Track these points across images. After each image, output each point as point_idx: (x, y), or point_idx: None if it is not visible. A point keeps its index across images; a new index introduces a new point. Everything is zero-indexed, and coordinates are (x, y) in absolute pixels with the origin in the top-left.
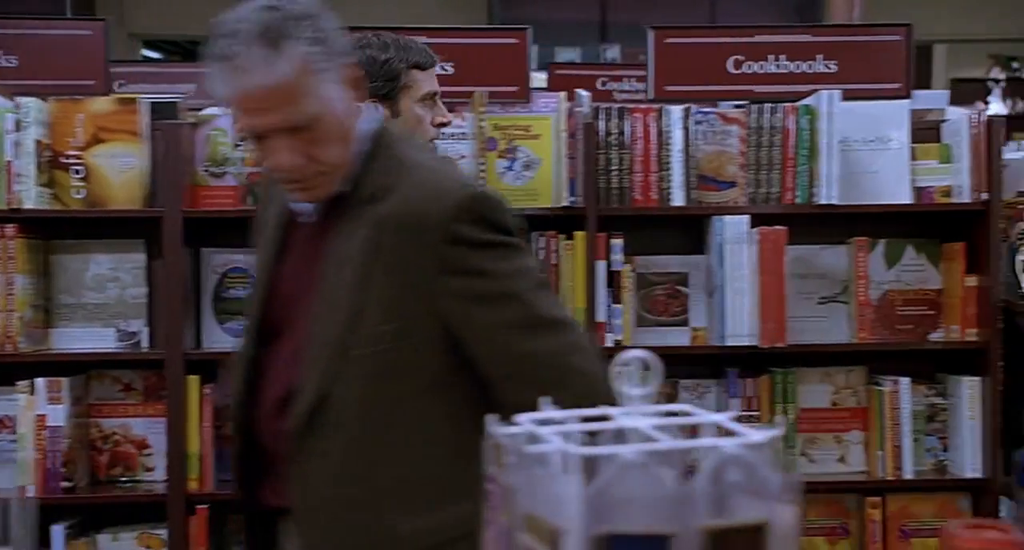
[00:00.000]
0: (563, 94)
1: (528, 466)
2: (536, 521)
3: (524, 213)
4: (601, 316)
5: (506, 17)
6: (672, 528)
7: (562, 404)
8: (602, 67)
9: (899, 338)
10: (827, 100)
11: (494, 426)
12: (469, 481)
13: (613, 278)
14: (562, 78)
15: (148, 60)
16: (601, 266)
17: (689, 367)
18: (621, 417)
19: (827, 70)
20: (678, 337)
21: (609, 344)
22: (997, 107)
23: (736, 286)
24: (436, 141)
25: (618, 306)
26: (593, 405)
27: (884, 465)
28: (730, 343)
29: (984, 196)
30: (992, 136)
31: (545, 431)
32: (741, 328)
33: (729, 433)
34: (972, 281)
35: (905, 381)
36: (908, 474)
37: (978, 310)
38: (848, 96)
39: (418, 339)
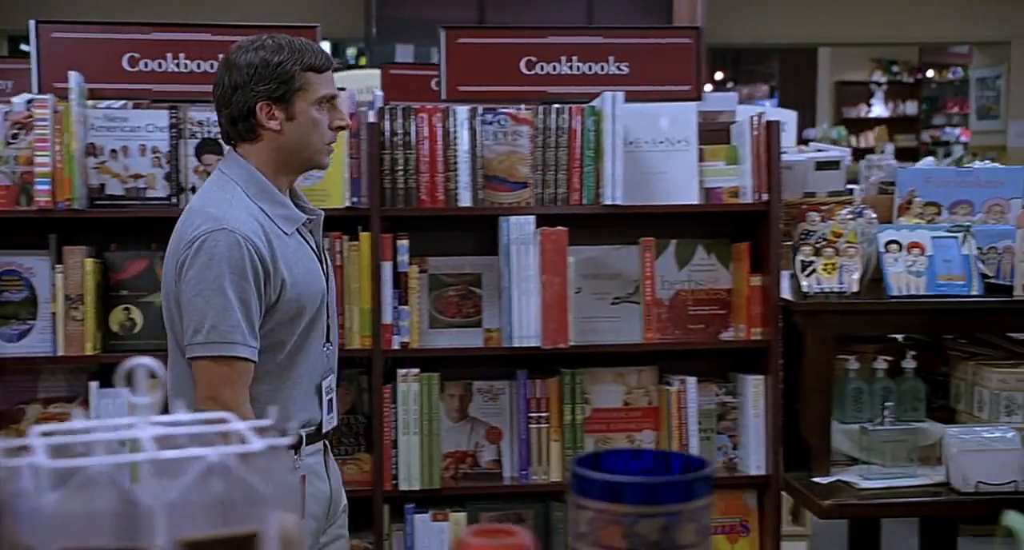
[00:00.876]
0: (345, 92)
1: (10, 481)
2: (14, 539)
3: None
4: (387, 318)
5: (383, 16)
6: (142, 542)
7: None
8: (436, 67)
9: (691, 337)
10: (611, 101)
11: None
12: None
13: (400, 279)
14: (396, 78)
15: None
16: (387, 267)
17: (486, 368)
18: (130, 427)
19: (619, 72)
20: (471, 338)
21: (396, 347)
22: (879, 109)
23: (523, 287)
24: (332, 144)
25: (405, 307)
26: None
27: None
28: (517, 344)
29: (765, 197)
30: (771, 138)
31: (35, 443)
32: (529, 329)
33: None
34: (757, 281)
35: (692, 380)
36: None
37: (762, 309)
38: (640, 98)
39: None
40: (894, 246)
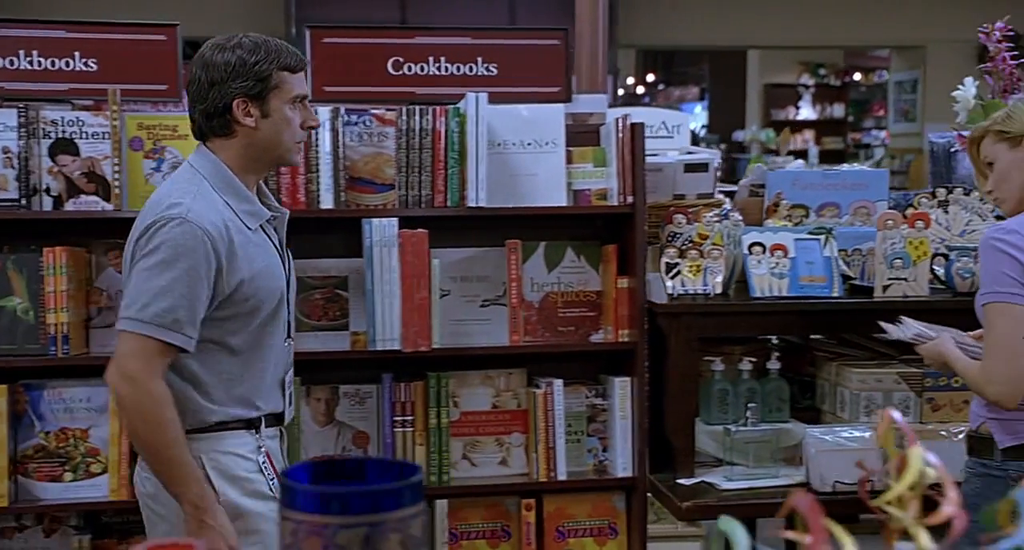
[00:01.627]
0: None
1: None
2: None
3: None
4: None
5: (303, 17)
6: None
7: None
8: None
9: (561, 340)
10: (475, 103)
11: None
12: None
13: None
14: None
15: None
16: None
17: (354, 372)
18: None
19: (487, 73)
20: (338, 342)
21: None
22: (807, 112)
23: (386, 290)
24: (302, 143)
25: None
26: None
27: (538, 467)
28: (380, 348)
29: (630, 199)
30: (635, 140)
31: None
32: (392, 332)
33: None
34: (624, 283)
35: (559, 382)
36: (562, 475)
37: (629, 312)
38: (509, 99)
39: None
40: (758, 248)
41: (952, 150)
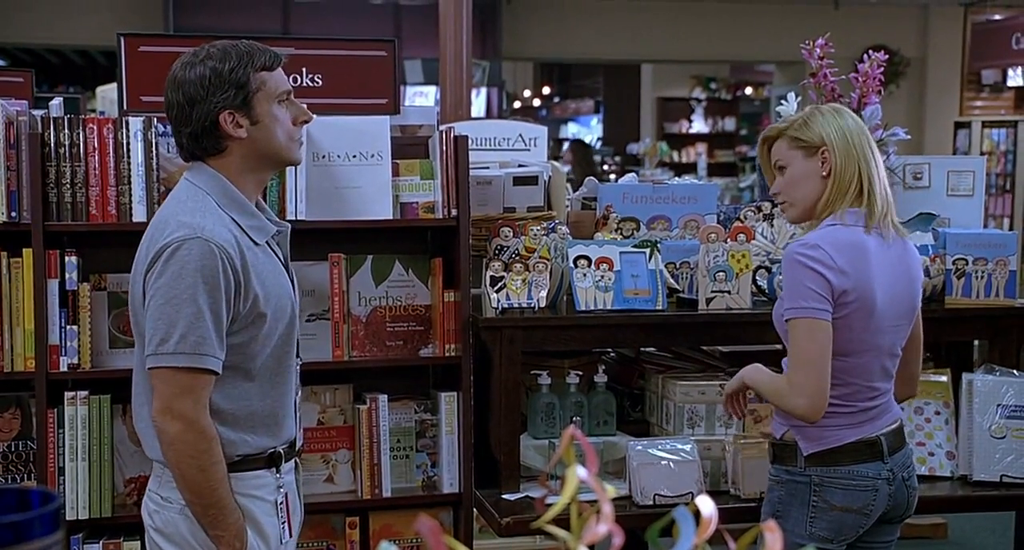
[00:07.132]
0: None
1: None
2: None
3: None
4: (54, 339)
5: (179, 25)
6: None
7: None
8: None
9: (389, 354)
10: None
11: None
12: None
13: (69, 298)
14: None
15: None
16: (53, 285)
17: None
18: None
19: (312, 84)
20: None
21: (64, 369)
22: (700, 125)
23: None
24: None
25: (73, 327)
26: None
27: (362, 483)
28: None
29: (454, 212)
30: (459, 153)
31: None
32: None
33: None
34: (451, 296)
35: (383, 398)
36: (388, 492)
37: (456, 325)
38: (336, 110)
39: None
40: (583, 261)
41: None
